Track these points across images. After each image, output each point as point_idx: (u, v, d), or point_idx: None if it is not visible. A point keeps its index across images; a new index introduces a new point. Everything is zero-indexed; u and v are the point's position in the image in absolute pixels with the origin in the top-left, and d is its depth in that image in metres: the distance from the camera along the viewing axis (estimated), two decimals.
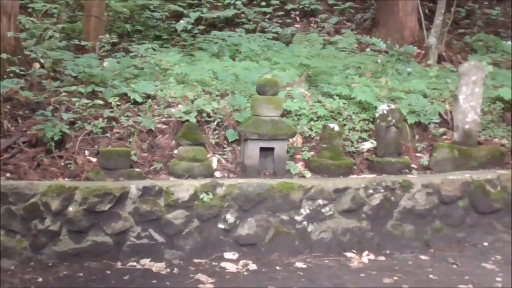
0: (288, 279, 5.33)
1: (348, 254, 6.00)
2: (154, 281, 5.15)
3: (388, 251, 6.17)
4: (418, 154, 7.26)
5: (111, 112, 6.67)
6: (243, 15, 11.96)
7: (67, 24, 10.01)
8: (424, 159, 7.07)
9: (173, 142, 6.58)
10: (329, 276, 5.43)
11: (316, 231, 6.00)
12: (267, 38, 10.57)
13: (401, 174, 6.69)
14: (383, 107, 6.93)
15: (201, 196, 5.67)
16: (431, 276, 5.56)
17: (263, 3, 12.37)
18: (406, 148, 7.24)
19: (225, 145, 6.77)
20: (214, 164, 6.41)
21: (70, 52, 8.07)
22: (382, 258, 6.03)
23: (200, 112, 6.85)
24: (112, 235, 5.52)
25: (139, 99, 6.90)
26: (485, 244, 6.52)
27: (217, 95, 7.31)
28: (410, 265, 5.85)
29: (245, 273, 5.42)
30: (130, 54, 8.70)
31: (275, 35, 10.95)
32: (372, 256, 6.02)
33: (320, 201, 6.00)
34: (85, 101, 6.65)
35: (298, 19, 12.45)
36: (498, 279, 5.53)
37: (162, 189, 5.63)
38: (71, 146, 6.28)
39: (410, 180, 6.34)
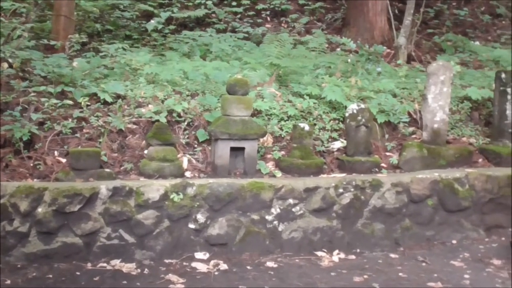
0: (259, 278, 5.34)
1: (319, 253, 6.03)
2: (125, 282, 5.12)
3: (358, 250, 6.21)
4: (387, 153, 7.32)
5: (81, 112, 6.61)
6: (213, 15, 11.95)
7: (36, 24, 9.91)
8: (394, 158, 7.13)
9: (144, 142, 6.55)
10: (300, 275, 5.45)
11: (286, 230, 6.02)
12: (238, 38, 10.58)
13: (371, 173, 6.73)
14: (353, 107, 6.98)
15: (171, 196, 5.65)
16: (400, 274, 5.61)
17: (234, 3, 12.36)
18: (376, 147, 7.29)
19: (196, 145, 6.76)
20: (185, 164, 6.40)
21: (39, 52, 7.98)
22: (353, 257, 6.07)
23: (170, 112, 6.83)
24: (82, 236, 5.47)
25: (109, 99, 6.86)
26: (454, 242, 6.60)
27: (187, 95, 7.30)
28: (380, 264, 5.89)
29: (216, 273, 5.42)
30: (100, 54, 8.64)
31: (246, 35, 10.96)
32: (342, 255, 6.06)
33: (291, 201, 6.02)
34: (55, 101, 6.59)
35: (268, 19, 12.47)
36: (466, 276, 5.60)
37: (133, 190, 5.60)
38: (40, 146, 6.22)
39: (380, 179, 6.39)
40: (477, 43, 12.50)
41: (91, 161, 5.88)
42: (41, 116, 6.41)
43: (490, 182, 6.80)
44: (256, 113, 7.17)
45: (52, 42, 8.24)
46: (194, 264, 5.57)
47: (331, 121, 7.47)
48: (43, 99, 6.60)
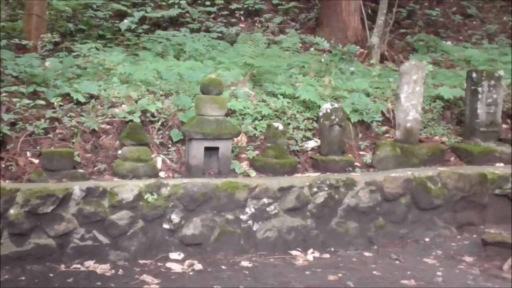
0: (233, 278, 5.34)
1: (293, 252, 6.05)
2: (99, 283, 5.09)
3: (332, 249, 6.24)
4: (361, 152, 7.36)
5: (54, 112, 6.56)
6: (187, 14, 11.92)
7: (7, 23, 9.82)
8: (367, 157, 7.17)
9: (117, 142, 6.52)
10: (275, 275, 5.46)
11: (261, 230, 6.03)
12: (212, 38, 10.57)
13: (345, 172, 6.77)
14: (326, 106, 7.01)
15: (145, 197, 5.64)
16: (374, 272, 5.65)
17: (208, 3, 12.35)
18: (349, 147, 7.34)
19: (170, 145, 6.74)
20: (159, 164, 6.38)
21: (11, 52, 7.91)
22: (327, 255, 6.10)
23: (144, 112, 6.80)
24: (55, 237, 5.43)
25: (82, 99, 6.80)
26: (427, 239, 6.66)
27: (161, 95, 7.27)
28: (354, 262, 5.93)
29: (191, 273, 5.41)
30: (73, 54, 8.57)
31: (220, 35, 10.95)
32: (317, 254, 6.09)
33: (265, 200, 6.03)
34: (27, 101, 6.53)
35: (242, 18, 12.48)
36: (439, 273, 5.66)
37: (106, 190, 5.57)
38: (12, 147, 6.15)
39: (354, 178, 6.43)
40: (449, 43, 12.64)
41: (64, 161, 5.84)
42: (13, 117, 6.35)
43: (462, 180, 6.88)
44: (230, 112, 7.17)
45: (24, 42, 8.17)
46: (168, 265, 5.56)
47: (305, 121, 7.49)
48: (14, 99, 6.54)
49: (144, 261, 5.60)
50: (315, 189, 6.22)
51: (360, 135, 7.66)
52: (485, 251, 6.15)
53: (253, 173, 6.52)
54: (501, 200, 7.12)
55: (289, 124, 7.31)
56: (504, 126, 8.46)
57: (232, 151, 6.60)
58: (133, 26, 10.51)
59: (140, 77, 7.52)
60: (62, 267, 5.37)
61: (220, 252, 5.88)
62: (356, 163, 7.07)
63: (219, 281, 5.26)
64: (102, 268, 5.38)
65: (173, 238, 5.79)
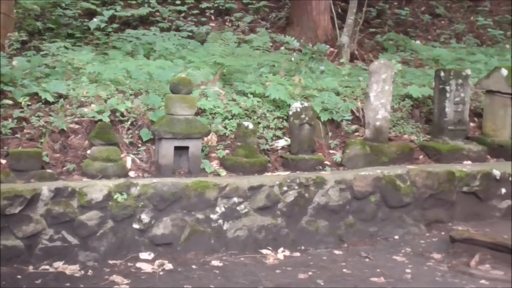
0: (204, 277, 5.34)
1: (264, 251, 6.06)
2: (68, 284, 5.05)
3: (303, 247, 6.27)
4: (331, 151, 7.40)
5: (21, 112, 6.48)
6: (157, 13, 11.87)
7: None
8: (337, 156, 7.21)
9: (86, 142, 6.47)
10: (245, 274, 5.48)
11: (231, 229, 6.03)
12: (182, 37, 10.53)
13: (315, 171, 6.80)
14: (296, 105, 7.04)
15: (115, 197, 5.60)
16: (344, 270, 5.69)
17: (178, 2, 12.29)
18: (319, 145, 7.37)
19: (140, 145, 6.71)
20: (128, 164, 6.35)
21: None
22: (297, 254, 6.12)
23: (113, 111, 6.75)
24: (23, 238, 5.37)
25: (51, 99, 6.73)
26: (396, 237, 6.71)
27: (131, 94, 7.22)
28: (325, 260, 5.96)
29: (161, 273, 5.40)
30: (41, 53, 8.47)
31: (190, 34, 10.91)
32: (287, 253, 6.10)
33: (235, 199, 6.03)
34: None
35: (213, 17, 12.46)
36: (408, 270, 5.72)
37: (75, 190, 5.52)
38: None
39: (324, 177, 6.46)
40: (418, 42, 12.77)
41: (32, 162, 5.78)
42: None
43: (430, 178, 6.94)
44: (200, 112, 7.15)
45: None
46: (138, 265, 5.53)
47: (275, 120, 7.51)
48: None
49: (114, 262, 5.56)
50: (285, 188, 6.23)
51: (330, 134, 7.68)
52: (453, 248, 6.23)
53: (223, 172, 6.52)
54: (469, 197, 7.22)
55: (259, 123, 7.32)
56: (471, 124, 8.57)
57: (202, 150, 6.59)
58: (103, 25, 10.41)
59: (110, 76, 7.46)
60: (31, 268, 5.31)
61: (190, 251, 5.87)
62: (326, 162, 7.10)
63: (190, 280, 5.26)
64: (71, 269, 5.34)
65: (143, 238, 5.76)
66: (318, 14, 11.85)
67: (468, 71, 8.05)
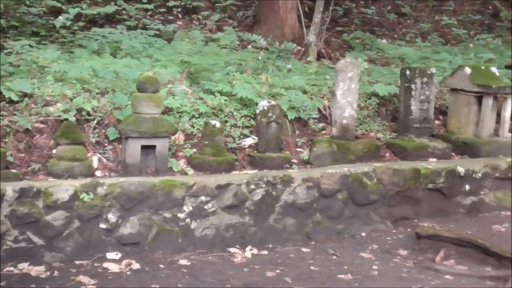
0: (171, 277, 5.33)
1: (232, 250, 6.06)
2: (33, 286, 4.98)
3: (270, 245, 6.28)
4: (298, 149, 7.44)
5: None
6: (124, 11, 11.78)
7: None
8: (304, 154, 7.24)
9: (52, 141, 6.40)
10: (213, 272, 5.47)
11: (199, 227, 6.03)
12: (149, 35, 10.47)
13: (282, 169, 6.83)
14: (263, 104, 7.05)
15: (81, 196, 5.55)
16: (312, 267, 5.72)
17: (145, 0, 12.24)
18: (286, 143, 7.40)
19: (106, 144, 6.66)
20: (95, 163, 6.31)
21: None
22: (265, 252, 6.13)
23: (79, 110, 6.69)
24: None
25: (15, 98, 6.65)
26: (363, 234, 6.76)
27: (97, 93, 7.17)
28: (292, 258, 5.98)
29: (128, 273, 5.37)
30: (5, 51, 8.35)
31: (157, 32, 10.86)
32: (255, 251, 6.11)
33: (203, 198, 6.03)
34: None
35: (180, 16, 12.42)
36: (375, 267, 5.77)
37: (41, 190, 5.46)
38: None
39: (291, 175, 6.48)
40: (384, 41, 12.88)
41: None
42: None
43: (396, 175, 7.01)
44: (167, 110, 7.13)
45: None
46: (105, 265, 5.49)
47: (242, 118, 7.51)
48: None
49: (81, 262, 5.51)
50: (252, 186, 6.24)
51: (297, 132, 7.72)
52: (418, 244, 6.31)
53: (190, 171, 6.51)
54: (434, 194, 7.31)
55: (226, 121, 7.32)
56: (436, 122, 8.70)
57: (169, 149, 6.57)
58: (68, 23, 10.30)
59: (76, 75, 7.39)
60: None
61: (158, 251, 5.85)
62: (293, 160, 7.13)
63: (157, 280, 5.24)
64: (37, 270, 5.27)
65: (110, 237, 5.72)
66: (285, 12, 11.88)
67: (433, 70, 8.16)
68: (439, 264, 5.80)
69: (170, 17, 12.08)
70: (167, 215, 5.92)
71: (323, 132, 7.85)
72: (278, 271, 5.57)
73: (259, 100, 7.37)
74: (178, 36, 9.77)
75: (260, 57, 9.54)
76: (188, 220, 5.99)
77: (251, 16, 12.69)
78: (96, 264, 5.49)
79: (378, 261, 5.94)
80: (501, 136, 8.24)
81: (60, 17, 10.34)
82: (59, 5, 11.04)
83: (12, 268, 5.27)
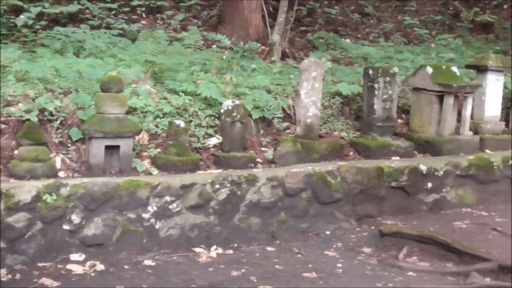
0: (136, 277, 5.31)
1: (197, 250, 6.06)
2: None
3: (236, 245, 6.29)
4: (263, 149, 7.46)
5: None
6: (87, 11, 11.68)
7: None
8: (269, 153, 7.27)
9: (14, 142, 6.32)
10: (178, 272, 5.47)
11: (164, 228, 6.01)
12: (113, 35, 10.40)
13: (247, 168, 6.84)
14: (228, 103, 7.06)
15: (44, 197, 5.49)
16: (277, 266, 5.74)
17: None
18: (251, 143, 7.42)
19: (69, 144, 6.60)
20: (58, 164, 6.24)
21: None
22: (230, 251, 6.15)
23: (42, 110, 6.62)
24: None
25: None
26: (327, 232, 6.81)
27: (60, 93, 7.09)
28: (257, 257, 6.00)
29: (93, 274, 5.33)
30: None
31: (121, 32, 10.80)
32: (220, 250, 6.12)
33: (167, 198, 6.01)
34: None
35: (144, 15, 12.36)
36: (339, 265, 5.82)
37: (2, 192, 5.37)
38: None
39: (256, 174, 6.50)
40: (348, 40, 12.99)
41: None
42: None
43: (360, 174, 7.08)
44: (131, 110, 7.09)
45: None
46: (69, 266, 5.44)
47: (207, 118, 7.51)
48: None
49: (44, 264, 5.45)
50: (217, 186, 6.25)
51: (261, 131, 7.75)
52: (382, 242, 6.39)
53: (155, 171, 6.49)
54: (397, 192, 7.40)
55: (191, 121, 7.31)
56: (399, 121, 8.79)
57: (134, 149, 6.54)
58: (30, 22, 10.18)
59: (38, 74, 7.30)
60: None
61: (122, 251, 5.81)
62: (258, 159, 7.15)
63: (122, 281, 5.21)
64: None
65: (73, 239, 5.67)
66: (250, 12, 11.90)
67: (396, 69, 8.26)
68: (402, 261, 5.87)
69: (134, 17, 12.01)
70: (132, 215, 5.89)
71: (288, 131, 7.89)
72: (243, 270, 5.59)
73: (224, 100, 7.37)
74: (142, 35, 9.73)
75: (224, 57, 9.54)
76: (152, 220, 5.97)
77: (216, 16, 12.69)
78: (59, 266, 5.44)
79: (342, 259, 5.99)
80: (462, 134, 8.37)
81: (22, 16, 10.22)
82: (20, 3, 10.89)
83: None
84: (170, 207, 6.03)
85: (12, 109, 6.58)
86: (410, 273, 5.61)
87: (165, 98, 7.53)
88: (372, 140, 7.94)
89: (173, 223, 6.05)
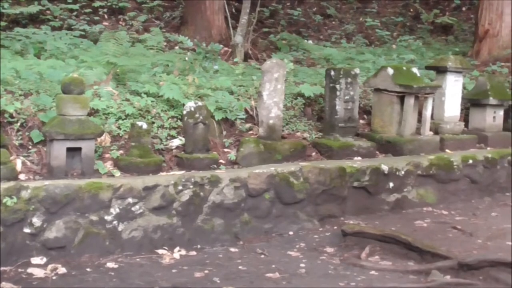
0: (99, 280, 5.27)
1: (160, 251, 6.04)
2: None
3: (199, 246, 6.29)
4: (226, 150, 7.47)
5: None
6: (48, 11, 11.59)
7: None
8: (232, 154, 7.29)
9: None
10: (141, 274, 5.44)
11: (126, 230, 5.98)
12: (74, 36, 10.33)
13: (210, 169, 6.84)
14: (190, 104, 7.06)
15: (4, 201, 5.41)
16: (240, 267, 5.75)
17: (70, 0, 12.05)
18: (214, 144, 7.42)
19: (30, 147, 6.53)
20: (19, 166, 6.16)
21: None
22: (194, 253, 6.14)
23: (2, 112, 6.53)
24: None
25: None
26: (290, 233, 6.84)
27: (20, 95, 7.01)
28: (221, 258, 6.01)
29: (54, 278, 5.27)
30: None
31: (83, 33, 10.74)
32: (183, 252, 6.11)
33: (130, 200, 5.98)
34: None
35: (106, 16, 12.31)
36: (302, 265, 5.85)
37: None
38: None
39: (219, 175, 6.51)
40: (310, 42, 13.10)
41: None
42: None
43: (322, 174, 7.12)
44: (93, 112, 7.05)
45: None
46: (30, 270, 5.37)
47: (170, 119, 7.50)
48: None
49: (4, 268, 5.36)
50: (180, 187, 6.24)
51: (224, 132, 7.76)
52: (345, 242, 6.44)
53: (117, 173, 6.46)
54: (359, 192, 7.46)
55: (153, 123, 7.29)
56: (361, 121, 8.89)
57: (96, 151, 6.50)
58: None
59: None
60: None
61: (84, 254, 5.77)
62: (221, 161, 7.17)
63: (84, 284, 5.17)
64: None
65: (34, 242, 5.60)
66: (212, 13, 11.93)
67: (357, 70, 8.33)
68: (364, 260, 5.93)
69: (96, 18, 11.95)
70: (94, 217, 5.85)
71: (250, 132, 7.91)
72: (206, 271, 5.59)
73: (186, 101, 7.37)
74: (104, 37, 9.68)
75: (187, 58, 9.53)
76: (115, 222, 5.93)
77: (178, 17, 12.68)
78: (20, 270, 5.37)
79: (305, 259, 6.02)
80: (423, 134, 8.50)
81: None
82: None
83: None
84: (132, 209, 6.00)
85: None
86: (372, 272, 5.67)
87: (127, 100, 7.50)
88: (334, 141, 8.00)
89: (136, 225, 6.03)
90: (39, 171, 6.27)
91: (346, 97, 8.10)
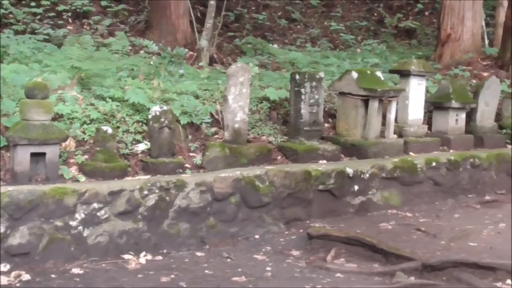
0: (64, 286, 5.23)
1: (126, 256, 6.01)
2: None
3: (165, 250, 6.28)
4: (191, 154, 7.47)
5: None
6: (11, 15, 11.45)
7: None
8: (197, 158, 7.29)
9: None
10: (107, 280, 5.41)
11: (92, 235, 5.94)
12: (38, 40, 10.24)
13: (175, 174, 6.83)
14: (155, 109, 7.04)
15: None
16: (206, 271, 5.75)
17: (33, 3, 11.94)
18: (179, 148, 7.42)
19: None
20: None
21: None
22: (160, 257, 6.12)
23: None
24: None
25: None
26: (256, 236, 6.86)
27: None
28: (187, 263, 6.00)
29: (18, 285, 5.22)
30: None
31: (47, 37, 10.64)
32: (149, 257, 6.08)
33: (95, 205, 5.95)
34: None
35: (70, 20, 12.21)
36: (268, 268, 5.86)
37: None
38: None
39: (184, 180, 6.50)
40: (275, 46, 13.16)
41: None
42: None
43: (288, 177, 7.15)
44: (58, 117, 6.99)
45: None
46: None
47: (135, 124, 7.47)
48: None
49: None
50: (145, 192, 6.22)
51: (190, 137, 7.76)
52: (310, 244, 6.47)
53: (82, 178, 6.42)
54: (325, 195, 7.50)
55: (118, 127, 7.26)
56: (326, 125, 8.95)
57: (60, 156, 6.46)
58: None
59: None
60: None
61: (49, 260, 5.71)
62: (187, 165, 7.17)
63: None
64: None
65: None
66: (177, 18, 11.91)
67: (322, 74, 8.39)
68: (330, 263, 5.97)
69: (60, 22, 11.84)
70: (59, 223, 5.80)
71: (216, 136, 7.92)
72: (172, 276, 5.58)
73: (151, 106, 7.35)
74: (68, 41, 9.60)
75: (152, 62, 9.51)
76: (80, 227, 5.89)
77: (143, 21, 12.64)
78: None
79: (271, 262, 6.05)
80: (387, 137, 8.59)
81: None
82: None
83: None
84: (98, 214, 5.97)
85: None
86: (338, 274, 5.71)
87: (92, 104, 7.45)
88: (299, 144, 8.04)
89: (101, 230, 5.99)
90: (3, 177, 6.21)
91: (311, 101, 8.15)
